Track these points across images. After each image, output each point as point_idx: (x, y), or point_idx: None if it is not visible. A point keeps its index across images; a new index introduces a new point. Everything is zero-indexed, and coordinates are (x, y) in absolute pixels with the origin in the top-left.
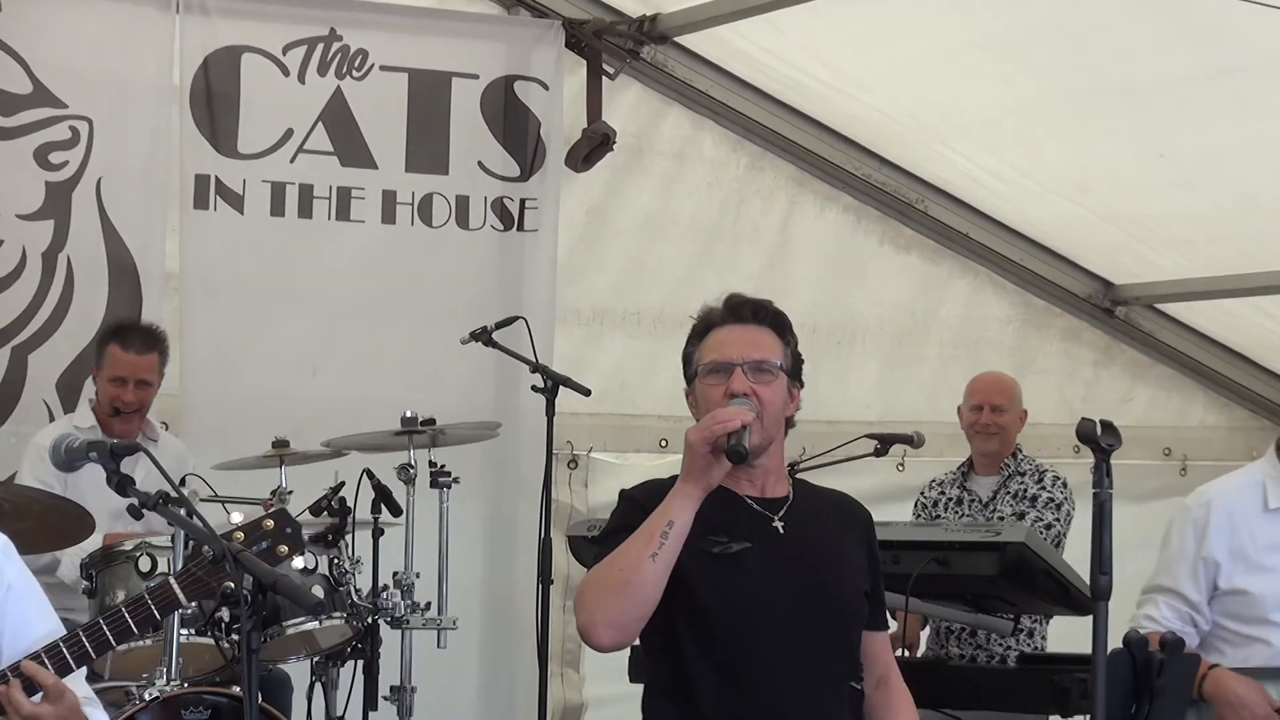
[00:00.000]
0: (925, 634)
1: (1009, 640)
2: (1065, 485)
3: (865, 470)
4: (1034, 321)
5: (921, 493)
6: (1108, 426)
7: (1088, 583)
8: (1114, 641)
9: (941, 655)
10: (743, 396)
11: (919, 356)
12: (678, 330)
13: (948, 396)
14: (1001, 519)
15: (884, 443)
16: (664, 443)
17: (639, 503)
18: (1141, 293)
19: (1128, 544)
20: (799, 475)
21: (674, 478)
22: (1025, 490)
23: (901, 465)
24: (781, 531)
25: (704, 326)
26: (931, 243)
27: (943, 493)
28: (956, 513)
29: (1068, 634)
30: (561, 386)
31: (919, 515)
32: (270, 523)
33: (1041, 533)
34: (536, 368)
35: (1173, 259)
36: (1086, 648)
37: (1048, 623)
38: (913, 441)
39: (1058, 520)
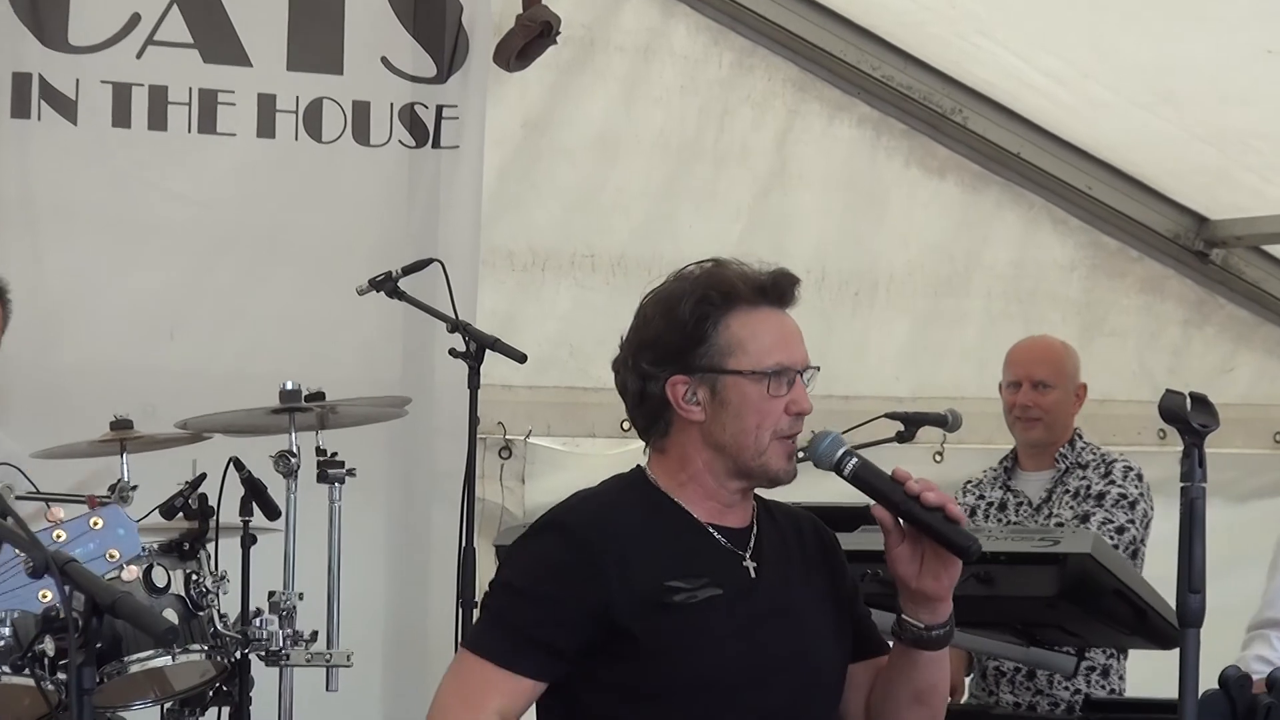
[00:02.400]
0: (969, 681)
1: (1075, 682)
2: (1141, 478)
3: (890, 460)
4: (1105, 268)
5: (955, 498)
6: (1200, 402)
7: (1173, 606)
8: (1208, 681)
9: (989, 704)
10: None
11: (960, 313)
12: (642, 279)
13: (998, 365)
14: (1060, 525)
15: (909, 425)
16: (626, 425)
17: (548, 571)
18: (1244, 230)
19: (1228, 556)
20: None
21: (616, 484)
22: (1088, 486)
23: (940, 455)
24: (753, 574)
25: (727, 296)
26: (973, 165)
27: (981, 496)
28: (1000, 520)
29: (1148, 672)
30: (489, 351)
31: None
32: (98, 520)
33: (1111, 538)
34: (456, 326)
35: None
36: (1171, 690)
37: (1124, 658)
38: (946, 423)
39: (1132, 523)
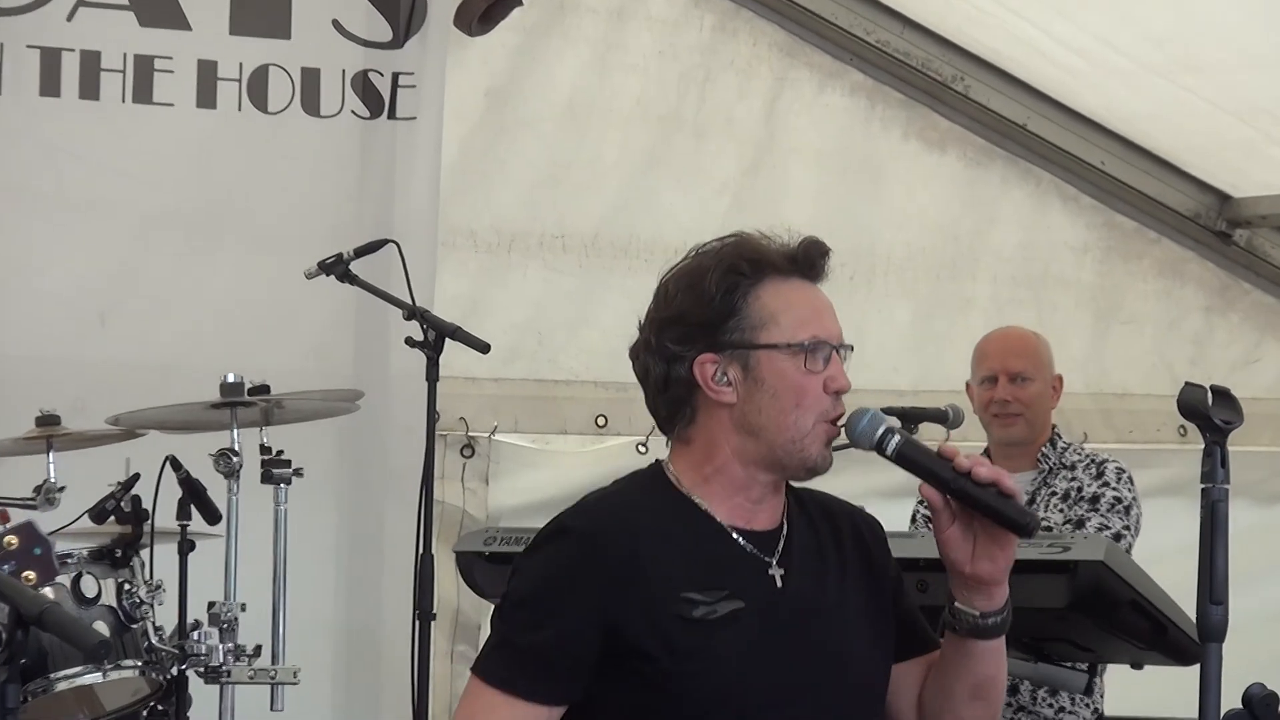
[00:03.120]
0: None
1: (1059, 699)
2: (1133, 481)
3: (883, 461)
4: (1121, 250)
5: (921, 502)
6: (1222, 396)
7: (1193, 619)
8: (1230, 700)
9: None
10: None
11: (964, 299)
12: (617, 262)
13: None
14: (1049, 530)
15: (905, 420)
16: (602, 421)
17: (556, 589)
18: (1271, 209)
19: (1254, 563)
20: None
21: (630, 483)
22: (1079, 489)
23: None
24: (779, 584)
25: (756, 265)
26: (976, 138)
27: None
28: None
29: (1167, 687)
30: (449, 340)
31: (922, 533)
32: (12, 539)
33: None
34: (413, 313)
35: None
36: (1190, 709)
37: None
38: (946, 419)
39: (1128, 529)
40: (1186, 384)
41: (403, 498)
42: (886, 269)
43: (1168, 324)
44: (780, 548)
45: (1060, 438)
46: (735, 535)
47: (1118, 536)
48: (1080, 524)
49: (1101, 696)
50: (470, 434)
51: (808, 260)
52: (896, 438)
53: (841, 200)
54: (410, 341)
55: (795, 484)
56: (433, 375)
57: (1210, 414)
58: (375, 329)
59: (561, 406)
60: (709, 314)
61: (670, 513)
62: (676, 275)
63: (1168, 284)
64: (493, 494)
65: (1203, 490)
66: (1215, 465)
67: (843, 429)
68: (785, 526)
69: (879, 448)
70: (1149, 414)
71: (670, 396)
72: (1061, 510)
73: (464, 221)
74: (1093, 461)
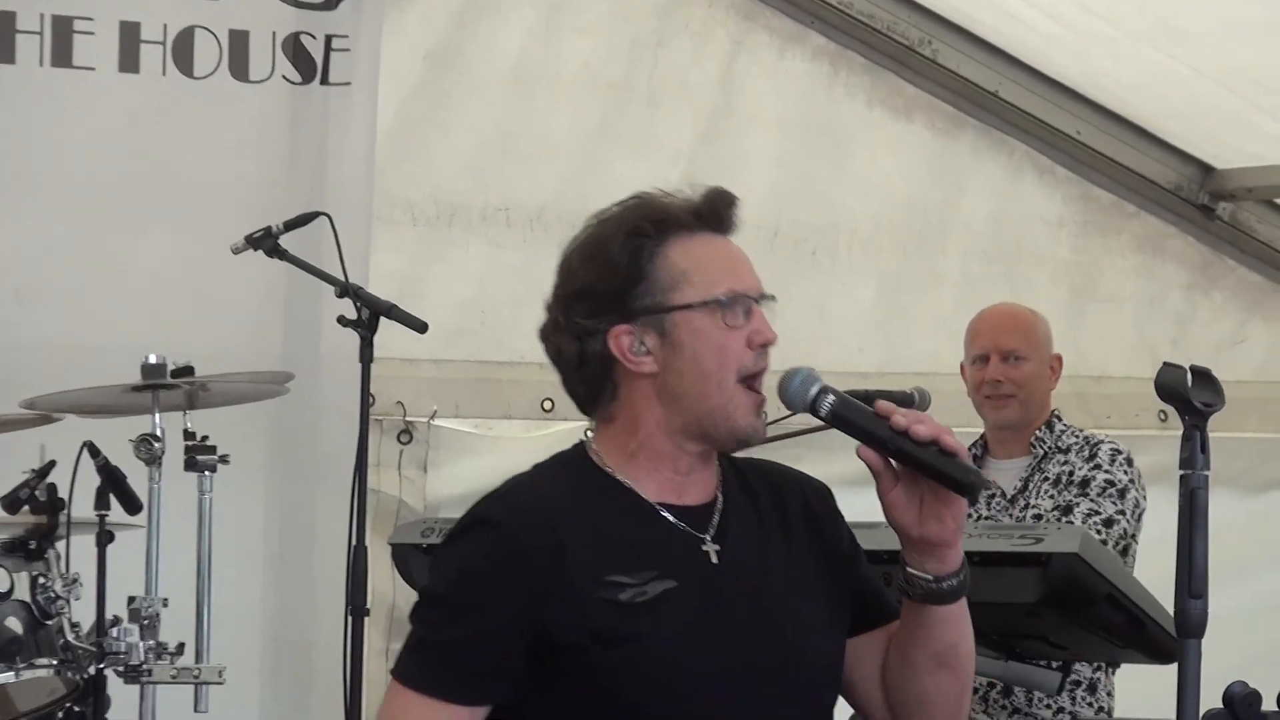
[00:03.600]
0: None
1: (1059, 700)
2: (1131, 463)
3: (849, 446)
4: (1098, 224)
5: None
6: (1203, 377)
7: (1173, 614)
8: (1211, 699)
9: None
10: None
11: (933, 275)
12: (566, 236)
13: None
14: (1039, 518)
15: (868, 404)
16: (548, 405)
17: (485, 577)
18: (1256, 181)
19: (1238, 555)
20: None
21: (551, 466)
22: (1070, 472)
23: None
24: (715, 560)
25: (660, 224)
26: (945, 106)
27: None
28: (970, 516)
29: (1142, 689)
30: (385, 319)
31: None
32: None
33: (1098, 532)
34: (346, 290)
35: None
36: (1168, 709)
37: (1113, 672)
38: (911, 402)
39: (1122, 514)
40: (1165, 364)
41: (335, 486)
42: (850, 243)
43: (1147, 302)
44: (715, 522)
45: (1060, 420)
46: (664, 512)
47: (1109, 522)
48: (1068, 509)
49: (1110, 695)
50: (408, 418)
51: (714, 212)
52: (830, 397)
53: (803, 171)
54: (343, 320)
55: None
56: (366, 356)
57: (1189, 396)
58: (306, 307)
59: (505, 389)
60: (616, 282)
61: (594, 494)
62: (579, 247)
63: (1147, 260)
64: (431, 482)
65: (1181, 477)
66: (1195, 451)
67: (776, 393)
68: (720, 500)
69: (812, 408)
70: (1127, 398)
71: (588, 375)
72: (1052, 496)
73: (401, 193)
74: (1087, 443)
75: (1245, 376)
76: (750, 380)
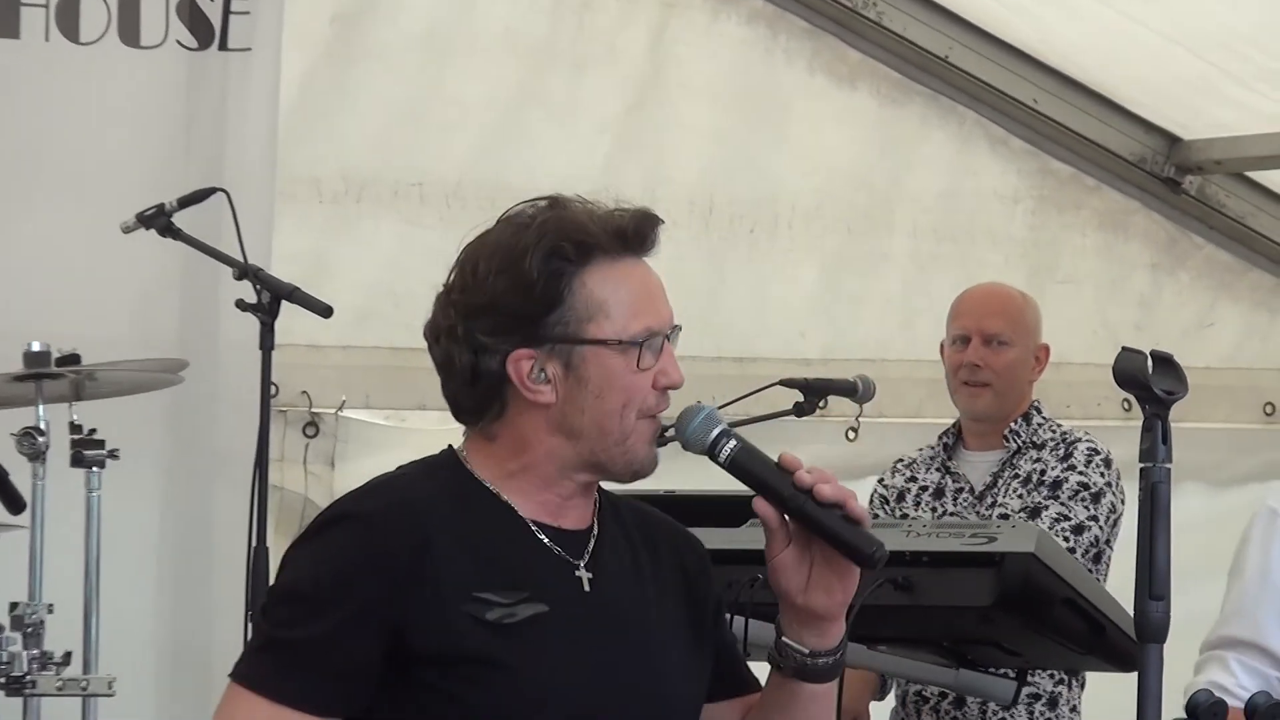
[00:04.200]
0: (889, 703)
1: (1016, 713)
2: (1109, 464)
3: (790, 439)
4: (1056, 200)
5: (881, 479)
6: (1164, 362)
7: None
8: (1174, 709)
9: None
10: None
11: (879, 255)
12: (484, 213)
13: (927, 319)
14: (1005, 517)
15: (809, 394)
16: None
17: (337, 579)
18: (1225, 153)
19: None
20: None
21: (422, 468)
22: (1042, 471)
23: (854, 431)
24: (587, 587)
25: (582, 247)
26: (892, 73)
27: (913, 478)
28: (934, 510)
29: (1107, 698)
30: (287, 302)
31: (876, 515)
32: None
33: (1066, 539)
34: (245, 271)
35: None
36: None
37: (1079, 684)
38: (854, 392)
39: (1094, 520)
40: (1123, 349)
41: (235, 483)
42: (790, 221)
43: (1109, 283)
44: (590, 549)
45: (1039, 413)
46: (539, 533)
47: (1079, 528)
48: (1035, 512)
49: (1073, 710)
50: (314, 410)
51: (639, 237)
52: (732, 443)
53: (738, 143)
54: (242, 305)
55: (616, 484)
56: (268, 343)
57: (1150, 383)
58: (203, 291)
59: (419, 378)
60: (529, 304)
61: (466, 503)
62: (489, 253)
63: (1109, 238)
64: (340, 479)
65: (1141, 471)
66: (1156, 442)
67: (671, 428)
68: (596, 528)
69: (711, 452)
70: (1088, 386)
71: (478, 391)
72: (1020, 495)
73: (306, 168)
74: (1063, 440)
75: (1214, 363)
76: (650, 418)
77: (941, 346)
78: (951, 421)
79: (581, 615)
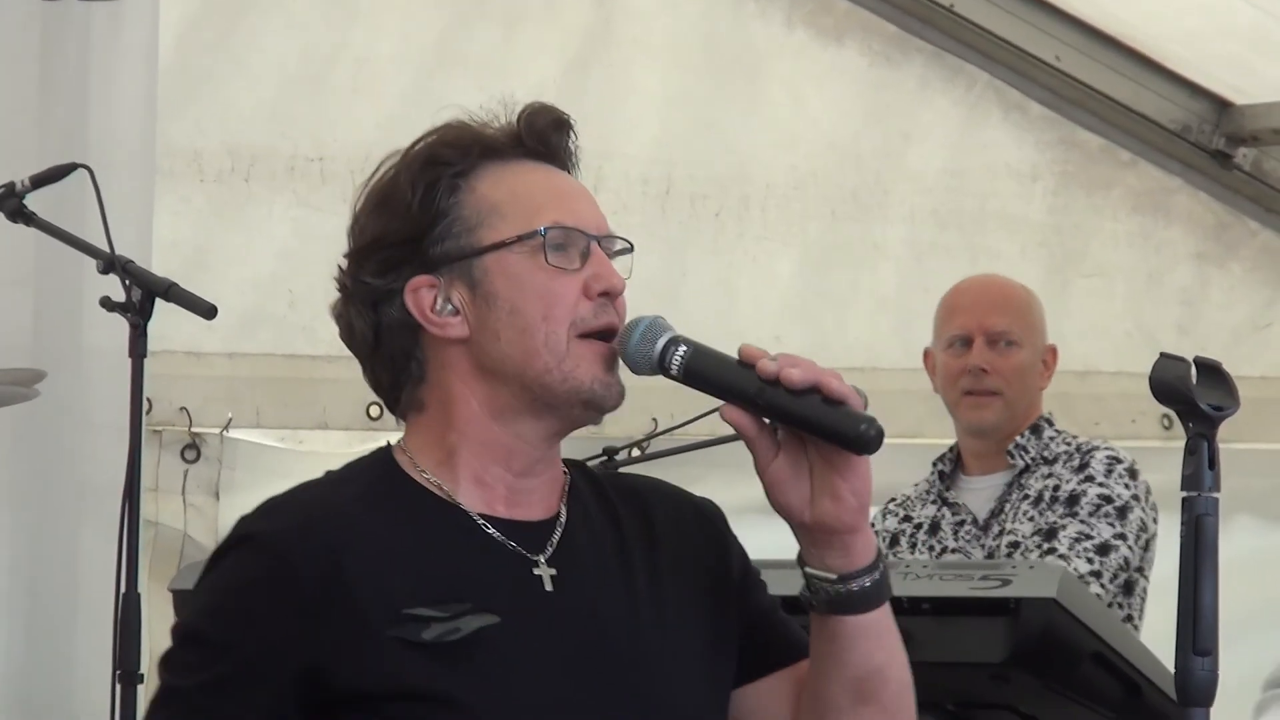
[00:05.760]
0: None
1: None
2: (1135, 475)
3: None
4: (1083, 177)
5: (872, 524)
6: (1210, 372)
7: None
8: None
9: None
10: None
11: (871, 244)
12: None
13: (927, 320)
14: (1016, 546)
15: None
16: (375, 410)
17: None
18: None
19: (1263, 601)
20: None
21: (344, 473)
22: (1055, 487)
23: None
24: (549, 586)
25: (465, 150)
26: (886, 26)
27: (908, 517)
28: (932, 549)
29: None
30: (163, 301)
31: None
32: None
33: (1089, 559)
34: (112, 264)
35: None
36: None
37: None
38: None
39: (1122, 539)
40: (1162, 355)
41: (102, 517)
42: (765, 203)
43: (1147, 277)
44: (555, 539)
45: (1050, 424)
46: (487, 527)
47: (1105, 548)
48: (1051, 534)
49: None
50: (195, 430)
51: (537, 136)
52: (682, 348)
53: (702, 110)
54: (108, 304)
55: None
56: (139, 349)
57: (1194, 397)
58: (62, 287)
59: (319, 391)
60: (409, 226)
61: (394, 506)
62: (367, 194)
63: (1147, 223)
64: (225, 512)
65: (1184, 501)
66: (1201, 466)
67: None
68: (564, 514)
69: (662, 365)
70: (1121, 399)
71: (387, 352)
72: (1031, 518)
73: (185, 140)
74: (1078, 450)
75: (1271, 371)
76: (591, 335)
77: (927, 354)
78: (950, 443)
79: (544, 622)
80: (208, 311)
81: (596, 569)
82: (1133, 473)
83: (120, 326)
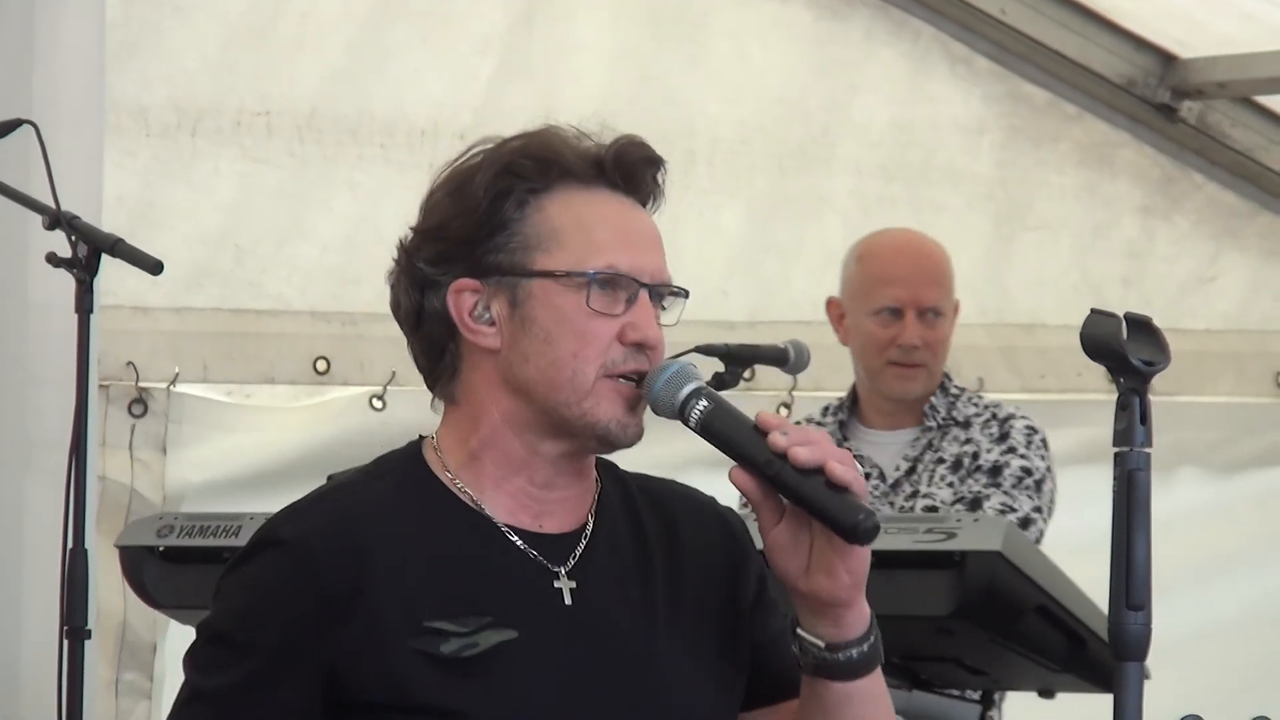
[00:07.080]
0: None
1: None
2: (1046, 445)
3: None
4: (1030, 131)
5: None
6: (1140, 326)
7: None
8: None
9: None
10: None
11: (817, 197)
12: (344, 149)
13: None
14: (933, 509)
15: (731, 363)
16: (322, 365)
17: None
18: (1230, 75)
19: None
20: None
21: (374, 471)
22: (975, 454)
23: (785, 407)
24: (569, 599)
25: (544, 166)
26: None
27: None
28: None
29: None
30: (109, 257)
31: None
32: None
33: None
34: (58, 220)
35: None
36: None
37: (1001, 703)
38: (785, 361)
39: (1039, 512)
40: (1092, 311)
41: (48, 473)
42: (710, 157)
43: (1092, 230)
44: (580, 552)
45: (951, 381)
46: (511, 536)
47: (1026, 521)
48: (976, 504)
49: None
50: (141, 385)
51: (622, 166)
52: (702, 404)
53: (647, 63)
54: (54, 259)
55: (606, 456)
56: (86, 305)
57: (1125, 351)
58: (6, 244)
59: (266, 346)
60: (471, 226)
61: (422, 510)
62: (446, 175)
63: (1092, 176)
64: (172, 467)
65: (1116, 456)
66: (1133, 421)
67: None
68: (591, 525)
69: (681, 413)
70: (1066, 353)
71: (425, 338)
72: (951, 484)
73: (130, 95)
74: (994, 417)
75: (1216, 324)
76: (616, 377)
77: (831, 303)
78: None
79: (562, 637)
80: (154, 267)
81: (617, 583)
82: (1044, 443)
83: (67, 282)
